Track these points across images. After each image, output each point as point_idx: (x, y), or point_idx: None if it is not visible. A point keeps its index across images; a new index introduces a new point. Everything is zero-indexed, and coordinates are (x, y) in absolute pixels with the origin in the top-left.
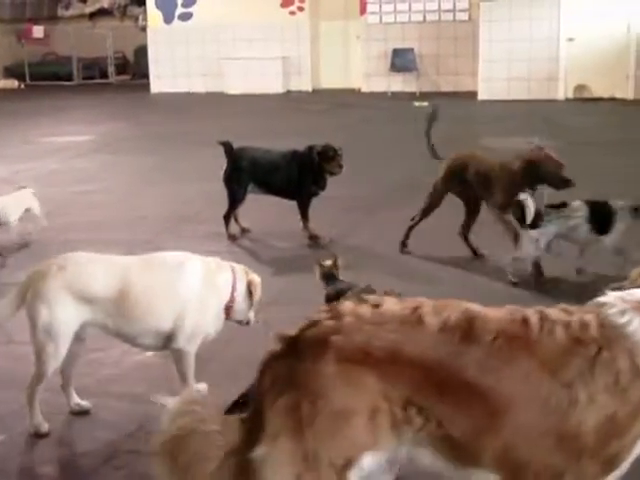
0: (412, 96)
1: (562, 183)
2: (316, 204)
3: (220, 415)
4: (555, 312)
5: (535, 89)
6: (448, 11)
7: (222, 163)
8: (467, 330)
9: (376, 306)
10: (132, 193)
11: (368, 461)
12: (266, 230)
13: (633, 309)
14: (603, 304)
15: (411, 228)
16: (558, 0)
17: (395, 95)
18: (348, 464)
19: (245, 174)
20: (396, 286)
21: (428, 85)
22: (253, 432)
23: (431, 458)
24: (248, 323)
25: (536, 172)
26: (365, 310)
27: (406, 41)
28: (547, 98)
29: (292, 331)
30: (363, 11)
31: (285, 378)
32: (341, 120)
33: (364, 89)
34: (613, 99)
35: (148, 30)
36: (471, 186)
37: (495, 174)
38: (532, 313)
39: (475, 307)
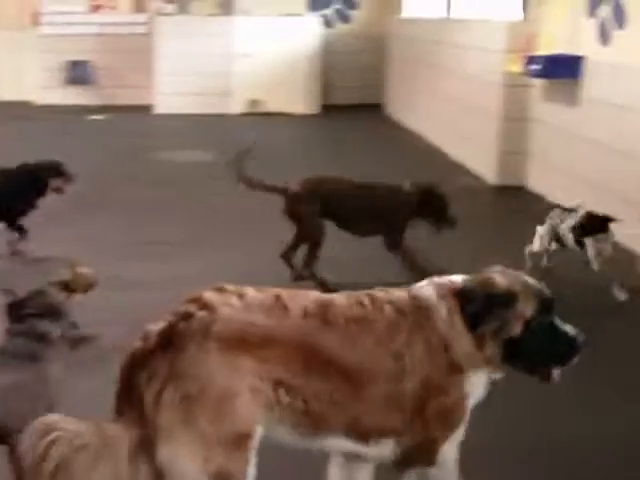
0: (88, 109)
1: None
2: None
3: (94, 425)
4: (378, 292)
5: (211, 103)
6: (126, 24)
7: None
8: (324, 316)
9: (242, 296)
10: None
11: (258, 434)
12: None
13: (434, 286)
14: (416, 286)
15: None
16: (232, 17)
17: (70, 108)
18: (243, 436)
19: None
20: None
21: (105, 98)
22: (144, 432)
23: (287, 432)
24: None
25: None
26: (234, 300)
27: (83, 53)
28: (222, 112)
29: (160, 326)
30: (37, 22)
31: (165, 372)
32: (14, 133)
33: (39, 101)
34: (285, 114)
35: None
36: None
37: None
38: (363, 295)
39: (321, 294)
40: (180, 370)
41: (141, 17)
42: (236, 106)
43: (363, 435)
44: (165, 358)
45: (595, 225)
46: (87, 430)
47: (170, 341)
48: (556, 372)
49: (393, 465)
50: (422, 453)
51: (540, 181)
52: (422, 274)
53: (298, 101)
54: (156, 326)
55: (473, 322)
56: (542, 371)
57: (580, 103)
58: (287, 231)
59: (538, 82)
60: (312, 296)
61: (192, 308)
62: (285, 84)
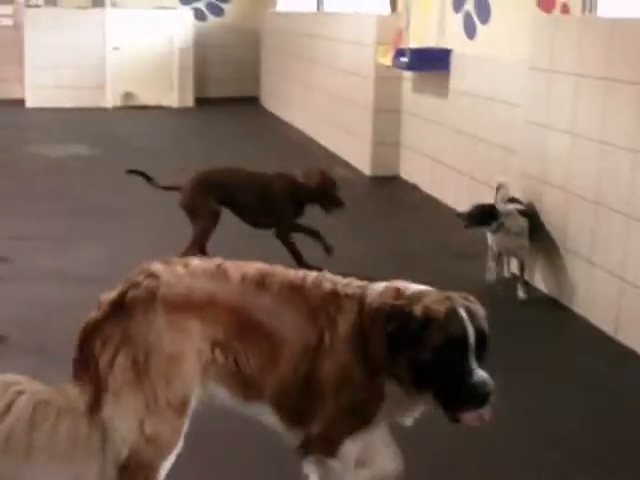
0: None
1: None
2: None
3: (52, 386)
4: (328, 274)
5: (84, 97)
6: None
7: None
8: (260, 281)
9: (186, 265)
10: None
11: (196, 396)
12: None
13: (386, 286)
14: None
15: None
16: (103, 9)
17: None
18: (184, 401)
19: None
20: None
21: None
22: (96, 394)
23: (225, 395)
24: None
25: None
26: (179, 268)
27: None
28: (96, 106)
29: (111, 295)
30: None
31: (118, 337)
32: None
33: None
34: (159, 107)
35: None
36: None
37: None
38: (311, 273)
39: (264, 265)
40: (131, 335)
41: (7, 9)
42: (110, 99)
43: (281, 409)
44: (117, 325)
45: (481, 215)
46: (48, 389)
47: (120, 308)
48: (470, 416)
49: (296, 449)
50: (325, 442)
51: (412, 171)
52: (304, 266)
53: (172, 94)
54: (108, 295)
55: (386, 342)
56: (446, 410)
57: (448, 95)
58: (163, 224)
59: (409, 74)
60: (255, 265)
61: (140, 277)
62: (158, 77)
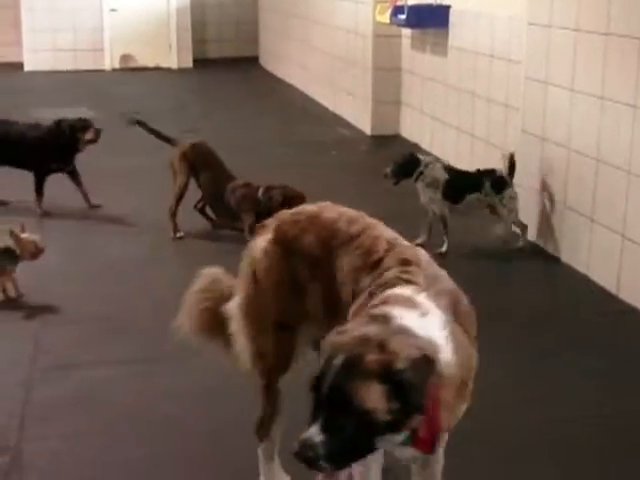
0: None
1: None
2: None
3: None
4: (412, 250)
5: (81, 59)
6: None
7: None
8: (350, 239)
9: (319, 208)
10: None
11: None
12: None
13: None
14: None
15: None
16: None
17: None
18: (288, 326)
19: None
20: None
21: None
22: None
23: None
24: None
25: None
26: (310, 209)
27: None
28: (94, 68)
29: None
30: None
31: (246, 256)
32: None
33: None
34: (158, 68)
35: None
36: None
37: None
38: (411, 253)
39: (374, 222)
40: (248, 252)
41: None
42: (108, 62)
43: None
44: (251, 245)
45: (404, 165)
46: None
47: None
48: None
49: None
50: None
51: (413, 129)
52: None
53: (170, 55)
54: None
55: None
56: None
57: (447, 52)
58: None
59: (408, 32)
60: (368, 221)
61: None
62: (156, 38)
